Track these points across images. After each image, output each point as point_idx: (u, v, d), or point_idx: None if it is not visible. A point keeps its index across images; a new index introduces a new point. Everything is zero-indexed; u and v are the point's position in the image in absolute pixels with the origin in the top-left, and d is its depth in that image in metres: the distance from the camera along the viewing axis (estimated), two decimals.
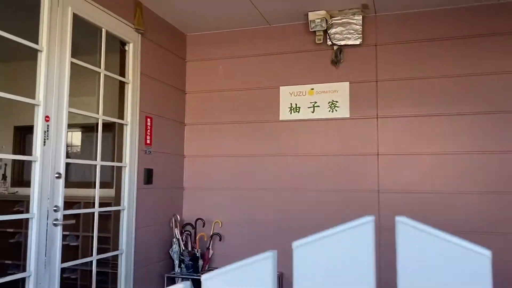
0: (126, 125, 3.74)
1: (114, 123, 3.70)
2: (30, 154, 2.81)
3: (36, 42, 2.86)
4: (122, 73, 3.78)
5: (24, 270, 2.72)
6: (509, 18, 3.86)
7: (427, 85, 4.04)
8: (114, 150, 3.76)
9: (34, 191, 2.78)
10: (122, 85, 3.79)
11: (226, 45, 4.69)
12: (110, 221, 3.75)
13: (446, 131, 3.95)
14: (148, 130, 4.05)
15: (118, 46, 3.79)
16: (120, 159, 3.71)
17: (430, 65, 4.04)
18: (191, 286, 3.33)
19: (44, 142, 2.84)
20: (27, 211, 2.78)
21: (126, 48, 3.81)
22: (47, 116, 2.88)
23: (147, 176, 3.98)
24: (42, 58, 2.87)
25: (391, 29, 4.18)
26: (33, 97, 2.83)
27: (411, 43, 4.11)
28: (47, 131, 2.87)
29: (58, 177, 2.95)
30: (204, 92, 4.74)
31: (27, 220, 2.78)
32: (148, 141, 4.03)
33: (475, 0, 3.89)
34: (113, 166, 3.69)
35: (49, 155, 2.88)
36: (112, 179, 3.79)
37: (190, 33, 4.81)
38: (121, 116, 3.76)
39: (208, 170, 4.63)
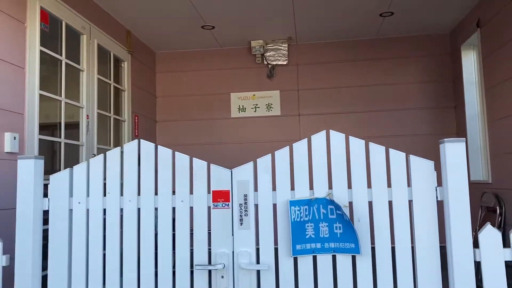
0: (124, 121, 5.13)
1: (114, 119, 5.06)
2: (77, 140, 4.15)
3: (79, 64, 4.19)
4: (117, 82, 5.14)
5: None
6: (385, 48, 5.90)
7: (333, 93, 5.95)
8: (116, 139, 5.11)
9: None
10: (117, 92, 5.15)
11: (188, 61, 6.21)
12: None
13: (349, 123, 5.88)
14: (136, 125, 5.45)
15: (116, 64, 5.14)
16: (121, 145, 5.08)
17: (335, 79, 5.96)
18: None
19: (87, 132, 4.19)
20: None
21: (122, 65, 5.19)
22: (87, 115, 4.22)
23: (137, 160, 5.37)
24: (83, 76, 4.21)
25: (308, 54, 6.03)
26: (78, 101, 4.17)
27: (322, 64, 6.00)
28: (88, 125, 4.22)
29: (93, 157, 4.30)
30: (171, 97, 6.21)
31: None
32: (136, 133, 5.44)
33: (362, 35, 5.88)
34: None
35: (89, 142, 4.23)
36: None
37: (158, 51, 6.24)
38: (117, 114, 5.12)
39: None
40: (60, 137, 3.83)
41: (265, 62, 6.01)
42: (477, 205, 4.93)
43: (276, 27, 5.45)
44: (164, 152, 2.17)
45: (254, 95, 6.08)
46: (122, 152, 2.21)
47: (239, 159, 5.97)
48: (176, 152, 2.17)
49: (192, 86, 6.20)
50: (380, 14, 5.13)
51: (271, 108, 6.04)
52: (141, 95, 5.68)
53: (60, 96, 3.83)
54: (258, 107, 6.06)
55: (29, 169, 2.14)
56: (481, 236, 1.91)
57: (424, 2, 4.78)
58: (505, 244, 2.23)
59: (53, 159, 3.78)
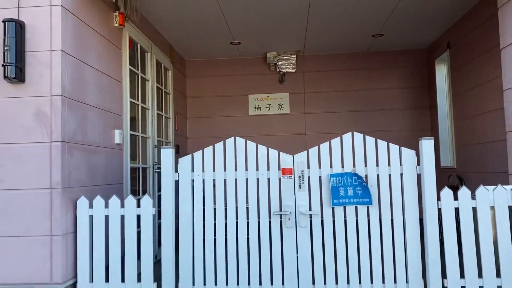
0: (169, 118, 6.39)
1: (164, 116, 6.30)
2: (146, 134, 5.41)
3: (143, 73, 5.43)
4: (165, 87, 6.37)
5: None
6: (375, 60, 7.29)
7: (333, 95, 7.32)
8: (165, 132, 6.36)
9: (149, 155, 5.38)
10: (165, 95, 6.38)
11: (213, 68, 7.48)
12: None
13: (346, 120, 7.27)
14: (176, 121, 6.71)
15: (164, 72, 6.37)
16: (167, 138, 6.35)
17: (334, 84, 7.32)
18: None
19: (151, 128, 5.45)
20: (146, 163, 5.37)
21: (167, 73, 6.43)
22: (152, 115, 5.48)
23: (177, 149, 6.66)
24: (149, 84, 5.46)
25: (313, 63, 7.37)
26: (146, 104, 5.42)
27: (324, 72, 7.35)
28: (152, 121, 5.48)
29: (155, 147, 5.57)
30: (199, 97, 7.48)
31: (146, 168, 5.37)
32: (176, 128, 6.70)
33: (357, 50, 7.25)
34: (164, 141, 6.31)
35: (153, 135, 5.50)
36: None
37: (188, 59, 7.49)
38: (165, 113, 6.35)
39: (201, 146, 7.38)
40: (138, 132, 5.10)
41: (277, 70, 7.33)
42: (445, 185, 6.39)
43: (287, 42, 6.76)
44: (251, 145, 3.49)
45: (268, 96, 7.41)
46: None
47: None
48: (258, 145, 3.49)
49: (216, 89, 7.48)
50: (372, 35, 6.50)
51: (282, 107, 7.38)
52: (178, 96, 6.94)
53: (138, 101, 5.09)
54: (271, 107, 7.39)
55: (169, 155, 3.44)
56: (442, 193, 3.31)
57: (408, 26, 6.16)
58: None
59: (133, 147, 5.03)
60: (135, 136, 5.03)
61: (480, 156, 5.44)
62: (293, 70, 7.32)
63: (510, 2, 3.67)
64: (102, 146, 4.07)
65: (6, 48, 3.26)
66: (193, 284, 3.41)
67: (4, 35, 3.28)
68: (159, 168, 5.70)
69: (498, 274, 3.25)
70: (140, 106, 5.14)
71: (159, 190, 5.65)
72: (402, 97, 7.29)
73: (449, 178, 6.23)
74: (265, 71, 7.44)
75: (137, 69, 5.11)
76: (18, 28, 3.31)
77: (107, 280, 3.42)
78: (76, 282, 3.42)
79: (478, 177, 5.55)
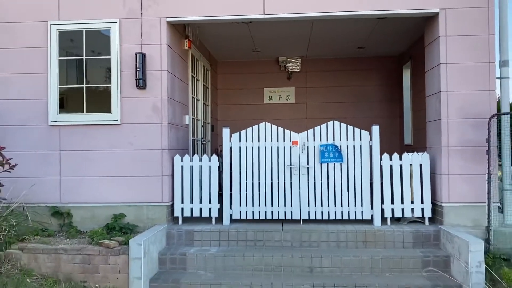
0: (208, 106, 8.88)
1: (207, 105, 8.76)
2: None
3: (196, 75, 7.87)
4: (206, 83, 8.82)
5: None
6: (359, 63, 9.72)
7: (328, 90, 9.78)
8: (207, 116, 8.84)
9: (199, 132, 7.88)
10: (206, 89, 8.83)
11: (238, 67, 9.92)
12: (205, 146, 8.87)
13: (337, 109, 9.75)
14: (211, 108, 9.19)
15: (205, 72, 8.80)
16: (207, 120, 8.84)
17: (329, 81, 9.78)
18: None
19: (200, 113, 7.94)
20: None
21: (207, 72, 8.89)
22: (201, 104, 7.96)
23: (212, 128, 9.17)
24: (199, 83, 7.92)
25: (313, 65, 9.81)
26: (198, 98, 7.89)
27: (323, 72, 9.80)
28: (200, 109, 7.96)
29: (202, 127, 8.07)
30: (227, 89, 9.95)
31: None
32: (211, 113, 9.19)
33: (346, 56, 9.69)
34: (206, 122, 8.79)
35: (201, 118, 7.98)
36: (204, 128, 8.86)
37: (219, 60, 9.94)
38: (206, 101, 8.81)
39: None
40: (195, 117, 7.59)
41: (286, 70, 9.77)
42: None
43: (294, 50, 9.18)
44: (274, 127, 5.99)
45: (278, 89, 9.87)
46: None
47: None
48: (278, 127, 5.99)
49: (240, 83, 9.94)
50: (357, 48, 8.93)
51: (289, 98, 9.86)
52: (212, 89, 9.41)
53: (194, 95, 7.57)
54: (281, 97, 9.86)
55: (227, 131, 5.95)
56: (382, 156, 5.84)
57: (382, 41, 8.56)
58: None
59: (192, 127, 7.52)
60: (193, 119, 7.53)
61: (426, 136, 7.93)
62: (298, 70, 9.76)
63: (431, 45, 6.11)
64: (180, 126, 6.58)
65: (138, 69, 5.73)
66: (240, 205, 5.97)
67: (136, 61, 5.75)
68: (205, 141, 8.23)
69: (412, 202, 5.80)
70: (195, 99, 7.63)
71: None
72: (379, 92, 9.76)
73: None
74: (277, 71, 9.88)
75: (194, 74, 7.58)
76: (143, 57, 5.78)
77: (191, 202, 5.97)
78: (173, 203, 5.98)
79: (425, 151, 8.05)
